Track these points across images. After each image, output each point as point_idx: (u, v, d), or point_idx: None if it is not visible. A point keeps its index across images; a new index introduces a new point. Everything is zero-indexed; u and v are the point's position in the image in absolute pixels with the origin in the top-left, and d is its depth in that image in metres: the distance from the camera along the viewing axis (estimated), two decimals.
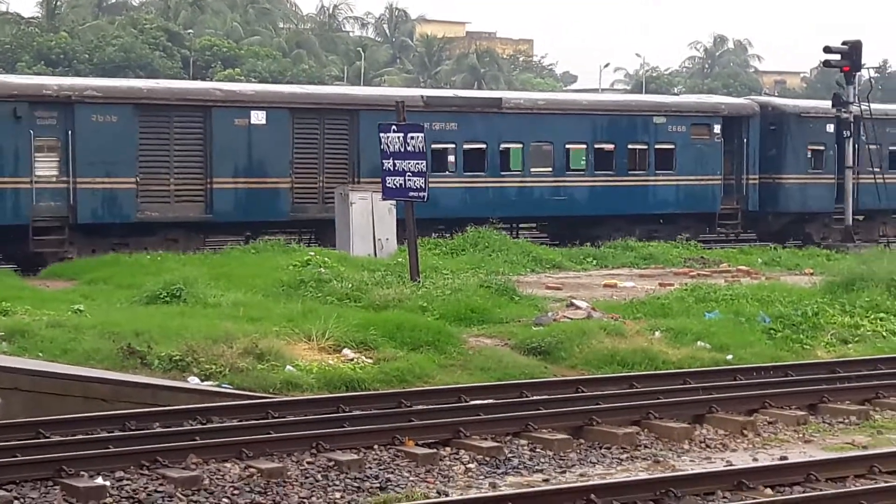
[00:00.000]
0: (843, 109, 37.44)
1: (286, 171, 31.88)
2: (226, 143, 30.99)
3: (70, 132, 29.09)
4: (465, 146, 34.30)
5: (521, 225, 36.88)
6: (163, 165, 30.52)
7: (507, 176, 34.96)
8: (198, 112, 31.02)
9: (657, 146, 37.00)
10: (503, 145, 34.96)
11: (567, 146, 35.88)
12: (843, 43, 37.86)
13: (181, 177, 30.71)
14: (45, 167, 29.14)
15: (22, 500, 10.92)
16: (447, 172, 33.90)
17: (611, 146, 36.44)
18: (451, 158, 34.29)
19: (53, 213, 29.09)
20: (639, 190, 36.72)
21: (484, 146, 34.58)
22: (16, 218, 28.69)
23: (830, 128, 38.93)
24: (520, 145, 35.25)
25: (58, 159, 29.18)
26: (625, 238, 33.82)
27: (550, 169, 35.64)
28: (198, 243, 31.06)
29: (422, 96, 34.84)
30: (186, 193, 30.83)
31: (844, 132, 37.44)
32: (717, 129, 37.93)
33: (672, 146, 37.24)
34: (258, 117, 31.51)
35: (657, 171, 36.94)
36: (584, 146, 36.13)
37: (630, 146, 36.68)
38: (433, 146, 31.93)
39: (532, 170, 35.30)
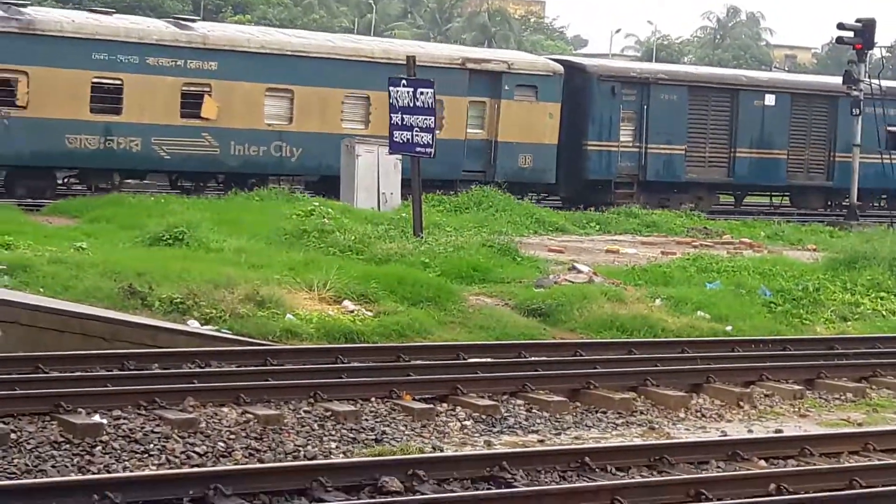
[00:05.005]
0: (853, 87, 37.28)
1: (784, 144, 39.52)
2: (746, 119, 38.69)
3: (645, 107, 36.79)
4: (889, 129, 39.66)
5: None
6: (701, 136, 38.26)
7: None
8: (727, 94, 38.79)
9: None
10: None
11: None
12: (857, 20, 37.66)
13: (714, 146, 38.56)
14: (625, 134, 36.76)
15: (19, 433, 10.93)
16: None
17: None
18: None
19: (629, 171, 36.78)
20: None
21: None
22: (607, 174, 36.15)
23: None
24: None
25: (633, 128, 36.88)
26: None
27: None
28: (714, 202, 39.27)
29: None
30: (716, 159, 38.66)
31: (854, 110, 37.33)
32: None
33: None
34: (770, 100, 39.17)
35: None
36: None
37: None
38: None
39: None
